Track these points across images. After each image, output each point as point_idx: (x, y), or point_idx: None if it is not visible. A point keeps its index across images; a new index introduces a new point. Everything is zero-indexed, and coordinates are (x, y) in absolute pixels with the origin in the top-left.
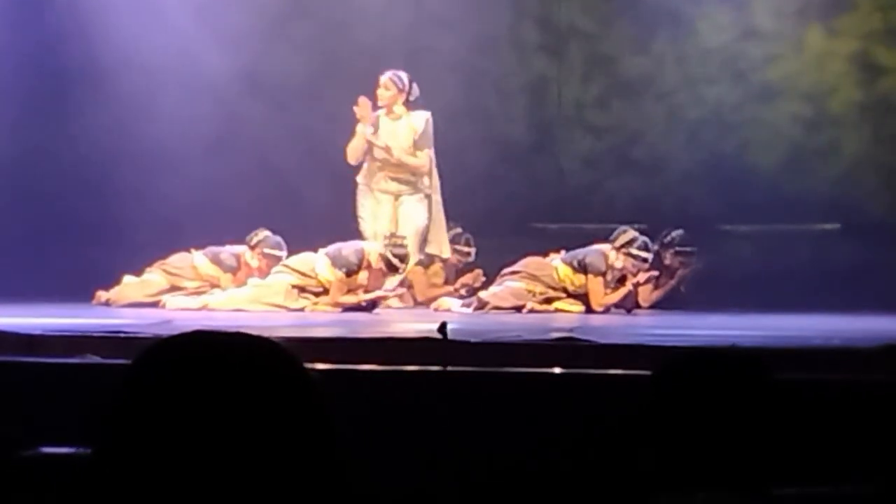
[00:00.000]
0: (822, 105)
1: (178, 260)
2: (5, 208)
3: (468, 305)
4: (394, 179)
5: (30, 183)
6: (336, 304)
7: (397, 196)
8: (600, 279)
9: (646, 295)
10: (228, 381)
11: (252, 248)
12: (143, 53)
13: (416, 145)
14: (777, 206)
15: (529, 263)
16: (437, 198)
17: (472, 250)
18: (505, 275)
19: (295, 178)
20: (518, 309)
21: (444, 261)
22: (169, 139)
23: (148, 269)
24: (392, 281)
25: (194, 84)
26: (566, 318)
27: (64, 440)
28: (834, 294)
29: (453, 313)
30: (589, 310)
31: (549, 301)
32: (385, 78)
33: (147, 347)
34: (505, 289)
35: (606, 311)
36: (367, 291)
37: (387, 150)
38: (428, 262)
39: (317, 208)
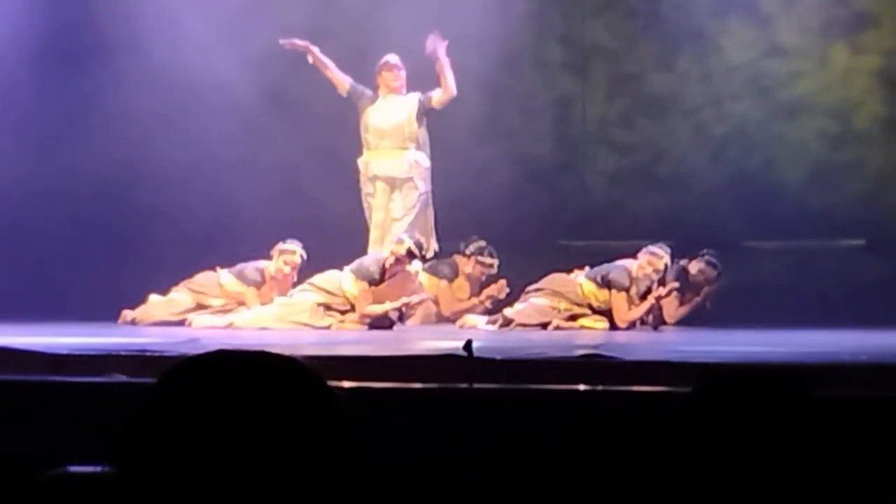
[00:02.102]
0: (847, 121)
1: (203, 278)
2: (31, 228)
3: (493, 322)
4: (388, 160)
5: (56, 203)
6: (364, 316)
7: (392, 186)
8: (624, 295)
9: (671, 311)
10: (252, 401)
11: (272, 255)
12: (169, 73)
13: (417, 120)
14: (802, 221)
15: (553, 280)
16: (428, 187)
17: (495, 262)
18: (529, 292)
19: (320, 197)
20: (543, 326)
21: (467, 274)
22: (195, 158)
23: (174, 289)
24: (416, 266)
25: (220, 103)
26: (591, 334)
27: (90, 459)
28: (859, 309)
29: (478, 330)
30: (614, 326)
31: (573, 318)
32: (395, 60)
33: (171, 367)
34: (529, 306)
35: (632, 327)
36: (392, 300)
37: (386, 125)
38: (452, 276)
39: (342, 227)
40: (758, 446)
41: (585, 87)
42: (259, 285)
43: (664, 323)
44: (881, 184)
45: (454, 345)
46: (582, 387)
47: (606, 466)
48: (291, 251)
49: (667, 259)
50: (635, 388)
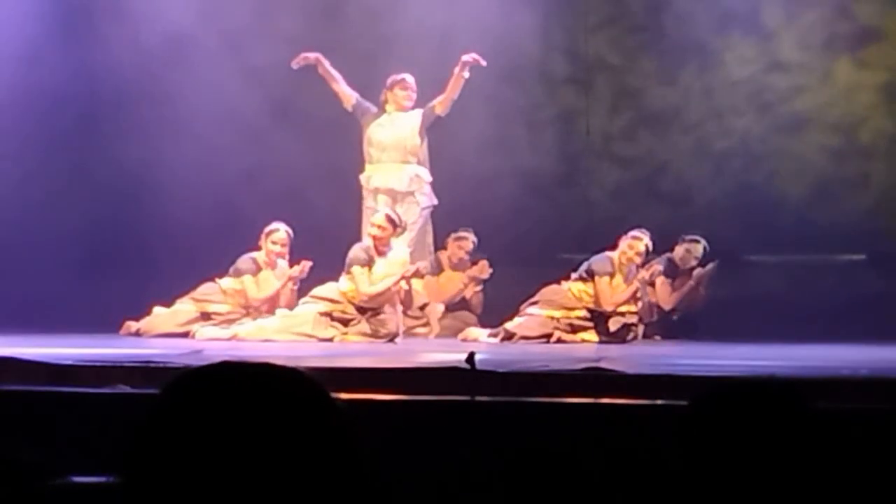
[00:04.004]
0: (851, 136)
1: (205, 287)
2: (36, 239)
3: (495, 336)
4: (390, 174)
5: (60, 214)
6: (371, 297)
7: (394, 200)
8: (606, 278)
9: (665, 297)
10: (255, 412)
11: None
12: (173, 84)
13: (420, 135)
14: (804, 236)
15: (546, 291)
16: (430, 202)
17: (470, 235)
18: (526, 306)
19: (323, 208)
20: (546, 338)
21: (448, 256)
22: (199, 170)
23: (178, 300)
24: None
25: (224, 115)
26: (593, 347)
27: (94, 469)
28: (861, 324)
29: (480, 343)
30: (601, 323)
31: (574, 330)
32: (411, 80)
33: (174, 378)
34: (529, 319)
35: (630, 334)
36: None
37: (389, 140)
38: (438, 270)
39: (345, 240)
40: (756, 459)
41: (588, 101)
42: (255, 272)
43: (660, 308)
44: (883, 198)
45: (457, 357)
46: (583, 399)
47: (607, 478)
48: (275, 229)
49: (647, 241)
50: (637, 401)
